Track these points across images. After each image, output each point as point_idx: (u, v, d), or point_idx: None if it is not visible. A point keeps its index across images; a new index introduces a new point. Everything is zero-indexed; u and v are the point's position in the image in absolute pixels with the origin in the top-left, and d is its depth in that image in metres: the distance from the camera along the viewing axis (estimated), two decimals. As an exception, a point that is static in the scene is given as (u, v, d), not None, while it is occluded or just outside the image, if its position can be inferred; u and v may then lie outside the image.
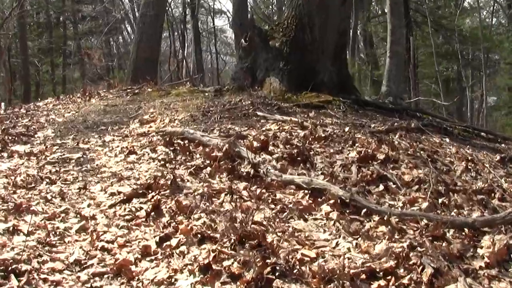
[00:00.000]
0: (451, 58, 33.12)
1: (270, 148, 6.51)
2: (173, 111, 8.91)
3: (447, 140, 8.05)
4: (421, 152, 6.87)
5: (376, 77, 29.88)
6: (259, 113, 8.10)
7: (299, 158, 6.24)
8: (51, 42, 31.88)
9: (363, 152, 6.44)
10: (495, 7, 35.34)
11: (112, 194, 5.52)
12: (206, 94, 10.14)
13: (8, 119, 9.77)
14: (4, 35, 25.21)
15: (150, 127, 8.18)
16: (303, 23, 9.72)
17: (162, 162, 6.34)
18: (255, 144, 6.53)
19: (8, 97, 21.42)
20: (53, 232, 4.66)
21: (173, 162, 6.34)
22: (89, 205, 5.30)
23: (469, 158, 6.95)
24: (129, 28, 36.94)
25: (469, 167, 6.63)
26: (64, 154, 7.04)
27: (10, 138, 7.90)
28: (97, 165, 6.60)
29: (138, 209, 5.11)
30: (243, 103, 8.80)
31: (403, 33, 11.67)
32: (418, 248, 4.31)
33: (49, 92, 32.31)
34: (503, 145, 8.99)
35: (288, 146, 6.62)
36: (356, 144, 6.82)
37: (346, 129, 7.46)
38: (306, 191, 5.42)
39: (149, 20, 17.88)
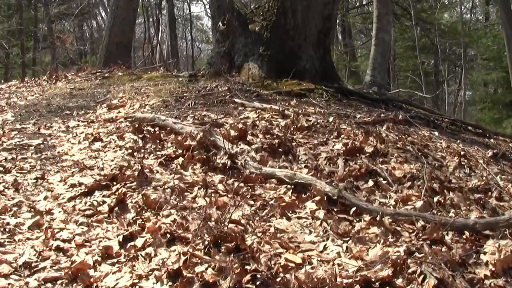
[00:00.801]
0: (429, 52, 32.87)
1: (249, 137, 5.96)
2: (144, 96, 8.30)
3: (436, 133, 7.58)
4: (411, 145, 6.39)
5: (354, 68, 29.50)
6: (236, 100, 7.54)
7: (280, 149, 5.71)
8: (21, 24, 30.80)
9: (349, 144, 5.93)
10: (472, 3, 35.10)
11: (73, 186, 4.92)
12: (180, 79, 9.54)
13: (-35, 102, 9.08)
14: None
15: (119, 112, 7.58)
16: (285, 7, 9.14)
17: (130, 151, 5.75)
18: (232, 133, 5.99)
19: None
20: (2, 229, 4.08)
21: (142, 151, 5.75)
22: (45, 198, 4.70)
23: (462, 153, 6.47)
24: (103, 14, 35.99)
25: (462, 163, 6.16)
26: (22, 140, 6.42)
27: (-36, 122, 7.27)
28: (58, 152, 5.99)
29: (101, 203, 4.54)
30: (220, 89, 8.22)
31: (389, 20, 11.15)
32: (417, 254, 3.82)
33: (18, 76, 31.32)
34: (491, 140, 8.57)
35: (268, 136, 6.08)
36: (342, 136, 6.30)
37: (330, 119, 6.94)
38: (288, 186, 4.90)
39: (122, 3, 17.29)
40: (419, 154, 6.14)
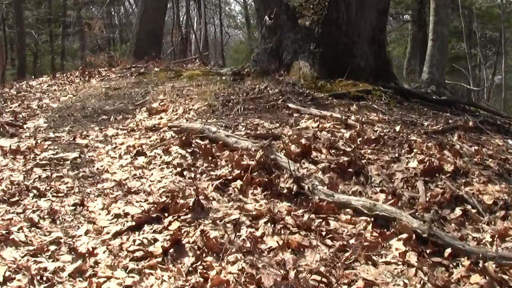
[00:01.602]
0: (460, 36, 31.65)
1: (313, 154, 5.25)
2: (187, 98, 7.59)
3: (510, 142, 6.77)
4: (490, 159, 5.64)
5: (392, 56, 28.47)
6: (290, 106, 6.82)
7: (350, 170, 4.99)
8: (50, 12, 30.46)
9: (426, 162, 5.20)
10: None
11: (117, 216, 4.28)
12: (224, 78, 8.79)
13: (-6, 103, 8.50)
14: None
15: (161, 118, 6.91)
16: (337, 0, 8.36)
17: (179, 169, 5.08)
18: (293, 148, 5.29)
19: (1, 71, 19.91)
20: (39, 277, 3.45)
21: (192, 169, 5.08)
22: (87, 232, 4.06)
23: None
24: (130, -1, 35.41)
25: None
26: (57, 153, 5.82)
27: (-6, 129, 6.67)
28: (97, 169, 5.37)
29: (152, 241, 3.87)
30: (270, 91, 7.50)
31: (448, 12, 10.21)
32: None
33: (47, 63, 31.09)
34: None
35: (333, 151, 5.37)
36: (414, 150, 5.57)
37: (397, 128, 6.20)
38: (368, 219, 4.19)
39: None
40: (501, 171, 5.40)
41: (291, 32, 8.55)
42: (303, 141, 5.33)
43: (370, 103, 7.29)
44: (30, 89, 10.12)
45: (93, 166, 5.44)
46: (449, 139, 6.17)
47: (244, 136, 5.63)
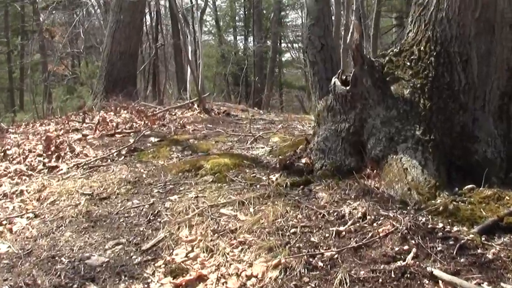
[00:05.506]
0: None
1: None
2: (233, 240, 4.39)
3: None
4: None
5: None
6: (436, 273, 3.72)
7: None
8: (7, 22, 27.61)
9: None
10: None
11: None
12: (272, 177, 5.59)
13: None
14: None
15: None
16: (449, 54, 5.30)
17: None
18: None
19: None
20: None
21: None
22: None
23: None
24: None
25: None
26: None
27: None
28: None
29: None
30: (376, 227, 4.36)
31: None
32: None
33: (4, 81, 28.29)
34: None
35: None
36: None
37: None
38: None
39: (127, 5, 14.47)
40: None
41: (380, 107, 5.34)
42: None
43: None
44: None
45: None
46: None
47: None
